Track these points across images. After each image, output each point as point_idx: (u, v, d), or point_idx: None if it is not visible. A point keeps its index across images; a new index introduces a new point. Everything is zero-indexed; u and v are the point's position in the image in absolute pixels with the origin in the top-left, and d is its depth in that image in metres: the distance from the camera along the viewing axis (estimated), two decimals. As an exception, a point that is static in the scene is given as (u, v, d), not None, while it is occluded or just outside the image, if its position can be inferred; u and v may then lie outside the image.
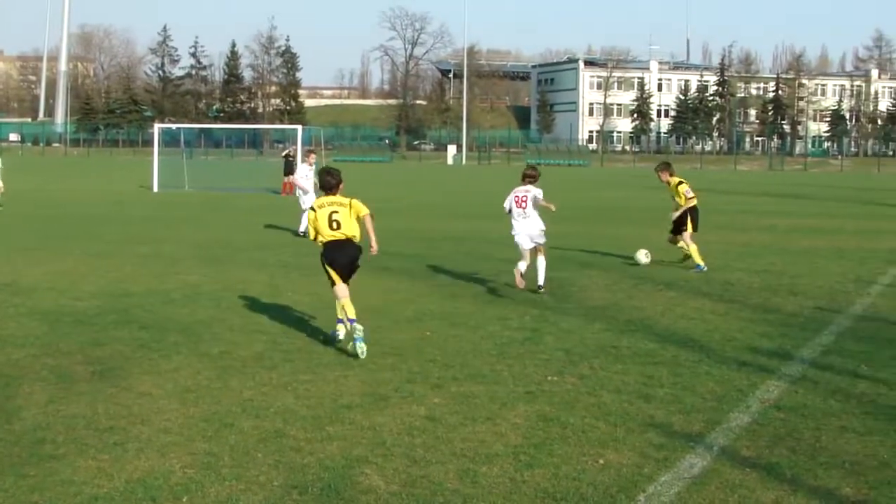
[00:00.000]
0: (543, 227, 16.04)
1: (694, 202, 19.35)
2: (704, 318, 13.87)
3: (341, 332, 11.71)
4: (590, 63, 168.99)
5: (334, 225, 11.63)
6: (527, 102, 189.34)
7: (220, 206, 37.58)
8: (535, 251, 16.04)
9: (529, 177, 16.27)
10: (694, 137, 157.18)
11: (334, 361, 10.82)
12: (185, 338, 12.01)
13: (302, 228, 25.99)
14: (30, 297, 14.87)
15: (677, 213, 19.41)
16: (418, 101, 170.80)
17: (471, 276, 17.90)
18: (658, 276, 18.18)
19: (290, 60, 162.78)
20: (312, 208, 11.84)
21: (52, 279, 16.87)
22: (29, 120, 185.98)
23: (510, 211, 16.19)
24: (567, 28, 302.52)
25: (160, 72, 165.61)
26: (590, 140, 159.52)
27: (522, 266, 15.87)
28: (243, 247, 22.49)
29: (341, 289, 11.75)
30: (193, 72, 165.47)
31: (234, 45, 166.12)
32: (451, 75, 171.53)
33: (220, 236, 24.74)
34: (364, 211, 11.68)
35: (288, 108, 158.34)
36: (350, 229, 11.65)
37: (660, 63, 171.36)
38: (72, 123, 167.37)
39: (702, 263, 18.99)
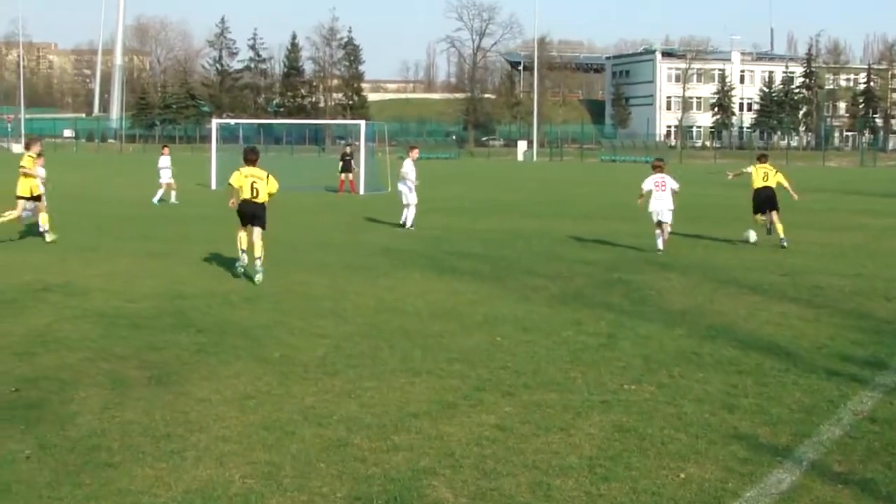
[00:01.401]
0: (672, 207, 22.09)
1: (753, 186, 24.23)
2: (791, 323, 13.70)
3: (244, 259, 17.56)
4: (667, 54, 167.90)
5: (254, 192, 17.52)
6: (601, 96, 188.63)
7: (281, 204, 37.71)
8: (661, 222, 22.07)
9: (660, 166, 22.53)
10: (779, 132, 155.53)
11: (400, 368, 10.83)
12: (245, 342, 12.10)
13: (406, 221, 27.57)
14: (84, 299, 15.07)
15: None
16: (486, 95, 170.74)
17: (543, 278, 17.85)
18: (741, 279, 18.01)
19: (352, 53, 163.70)
20: (242, 173, 17.62)
21: (106, 280, 17.08)
22: (83, 115, 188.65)
23: (648, 191, 22.04)
24: (643, 17, 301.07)
25: (218, 65, 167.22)
26: (667, 135, 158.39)
27: (659, 236, 22.07)
28: (304, 247, 22.62)
29: (243, 231, 17.61)
30: (252, 65, 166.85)
31: (294, 37, 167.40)
32: (520, 67, 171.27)
33: (281, 236, 24.83)
34: (274, 189, 17.78)
35: (350, 102, 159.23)
36: (263, 197, 17.62)
37: (742, 54, 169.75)
38: (127, 119, 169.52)
39: (752, 236, 24.17)
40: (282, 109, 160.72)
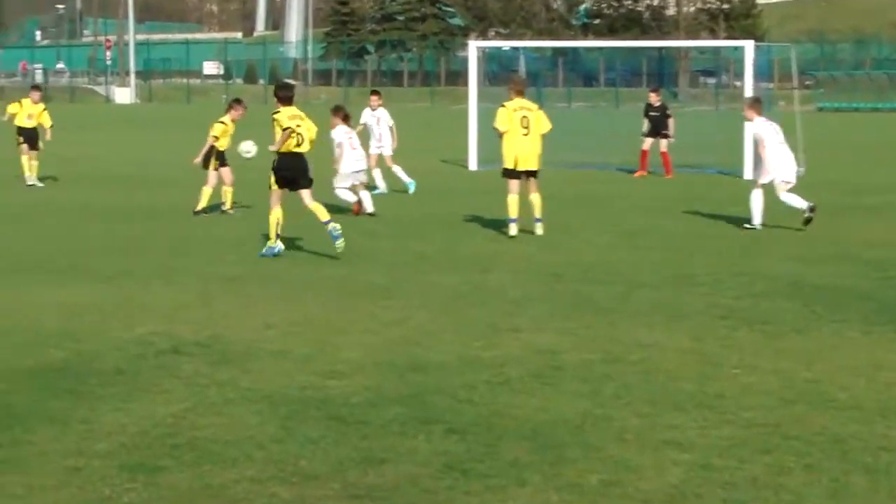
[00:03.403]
0: None
1: None
2: None
3: (281, 247, 24.73)
4: None
5: (298, 139, 24.16)
6: None
7: (598, 196, 37.88)
8: None
9: None
10: None
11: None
12: (535, 454, 12.17)
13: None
14: (245, 369, 15.46)
15: None
16: None
17: None
18: None
19: None
20: (292, 127, 24.07)
21: (282, 335, 17.51)
22: (239, 36, 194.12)
23: None
24: None
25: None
26: None
27: None
28: (645, 277, 22.40)
29: (279, 206, 24.34)
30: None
31: None
32: None
33: (601, 256, 24.89)
34: (314, 134, 24.81)
35: (724, 7, 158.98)
36: (307, 146, 24.46)
37: None
38: (317, 44, 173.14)
39: None
40: (596, 22, 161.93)
